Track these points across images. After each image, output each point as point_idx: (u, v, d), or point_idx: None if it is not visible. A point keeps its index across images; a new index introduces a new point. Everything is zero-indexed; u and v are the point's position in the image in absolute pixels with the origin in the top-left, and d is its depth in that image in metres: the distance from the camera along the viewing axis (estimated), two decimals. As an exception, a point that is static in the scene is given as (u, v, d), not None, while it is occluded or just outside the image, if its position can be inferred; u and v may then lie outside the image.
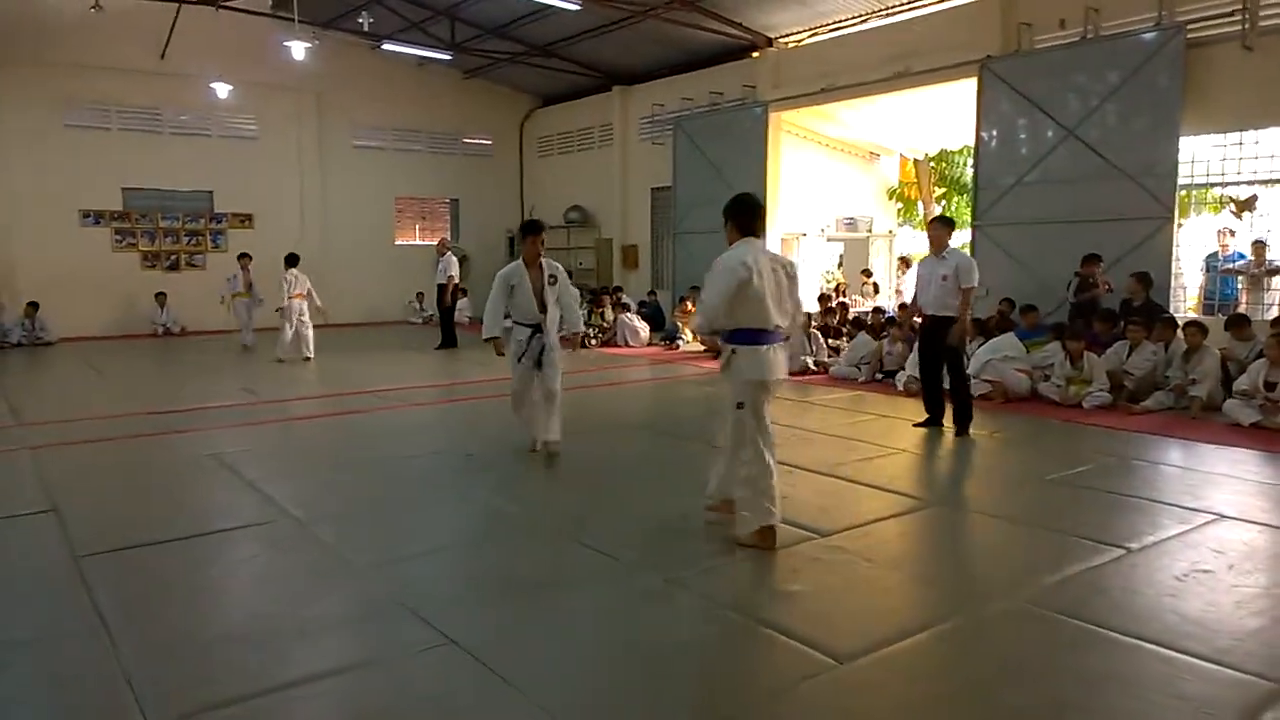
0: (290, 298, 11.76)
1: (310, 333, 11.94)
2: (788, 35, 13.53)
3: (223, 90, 15.06)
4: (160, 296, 15.33)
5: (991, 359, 8.44)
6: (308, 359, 11.78)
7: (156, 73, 15.13)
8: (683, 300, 14.02)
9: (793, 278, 4.21)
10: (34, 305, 13.86)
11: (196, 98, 15.49)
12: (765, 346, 4.08)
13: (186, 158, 15.83)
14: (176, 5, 13.58)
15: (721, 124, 14.19)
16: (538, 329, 6.06)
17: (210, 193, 16.21)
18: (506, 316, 6.15)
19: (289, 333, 11.71)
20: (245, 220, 16.49)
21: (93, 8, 13.28)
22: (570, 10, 12.85)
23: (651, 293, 15.66)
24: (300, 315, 11.80)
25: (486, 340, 6.33)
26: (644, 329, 13.63)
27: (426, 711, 2.90)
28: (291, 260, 12.13)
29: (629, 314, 13.76)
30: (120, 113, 15.24)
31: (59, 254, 14.64)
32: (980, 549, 4.62)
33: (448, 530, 4.85)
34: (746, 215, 4.20)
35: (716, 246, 13.08)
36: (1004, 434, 7.15)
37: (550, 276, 6.10)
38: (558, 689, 2.99)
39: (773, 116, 13.32)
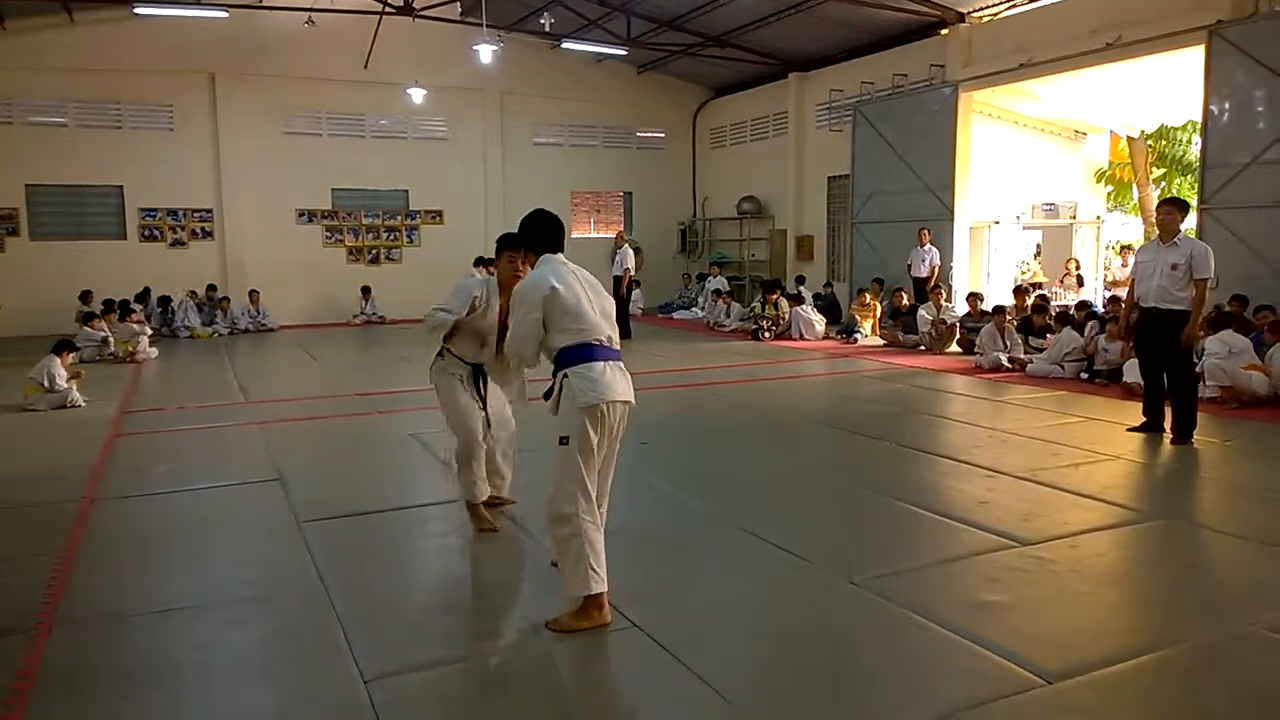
0: None
1: None
2: (981, 9, 12.70)
3: (417, 95, 16.08)
4: (365, 290, 16.61)
5: (1215, 359, 7.54)
6: None
7: (360, 81, 16.35)
8: (861, 293, 13.56)
9: (598, 290, 3.52)
10: (255, 293, 15.41)
11: (394, 103, 16.62)
12: (600, 363, 3.33)
13: (386, 159, 17.02)
14: (378, 17, 14.62)
15: (906, 107, 13.56)
16: (479, 370, 4.52)
17: (406, 191, 17.36)
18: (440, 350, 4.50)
19: None
20: (436, 216, 17.54)
21: (306, 23, 14.57)
22: (748, -3, 12.69)
23: (828, 285, 15.26)
24: None
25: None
26: (820, 322, 13.28)
27: (613, 690, 2.95)
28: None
29: (804, 306, 13.45)
30: (330, 119, 16.62)
31: (279, 249, 16.17)
32: (1209, 568, 4.14)
33: (628, 517, 4.89)
34: (545, 236, 3.57)
35: (897, 237, 12.45)
36: (1238, 442, 6.38)
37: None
38: (737, 681, 2.96)
39: (963, 97, 12.58)
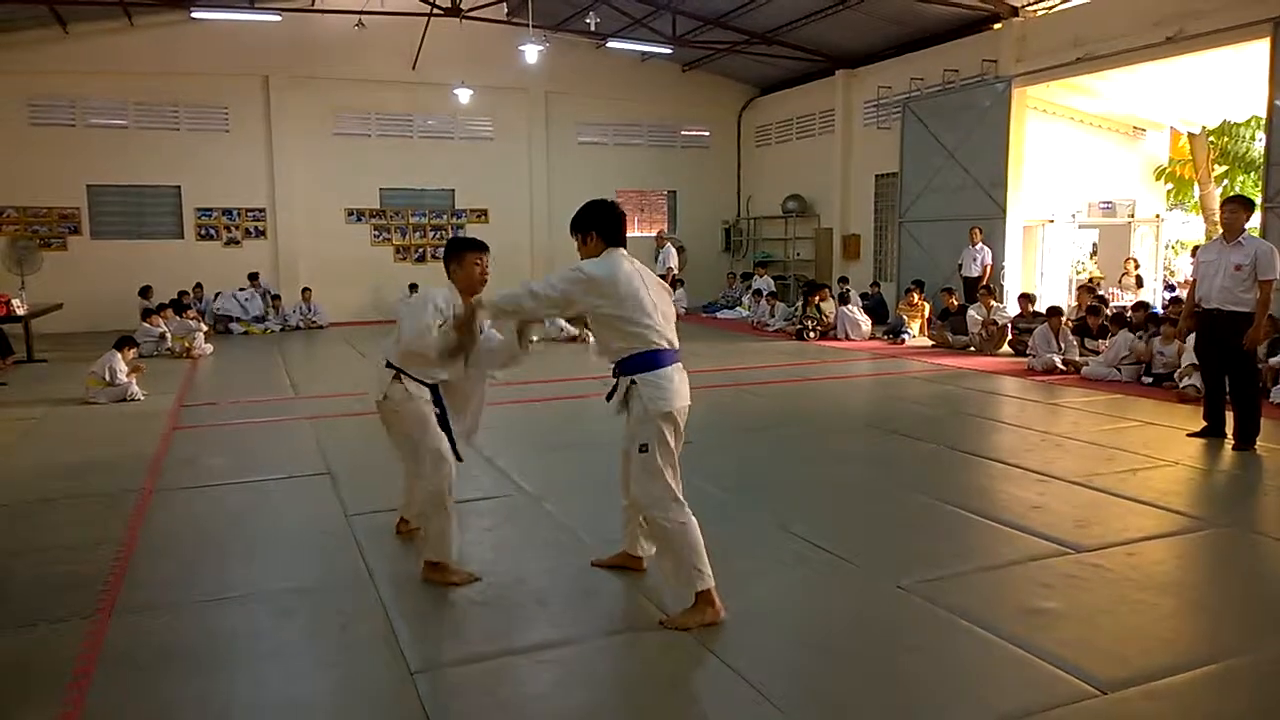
0: None
1: None
2: (1036, 2, 12.42)
3: (464, 95, 16.24)
4: (413, 288, 16.78)
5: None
6: None
7: (408, 82, 16.58)
8: (909, 292, 13.36)
9: (661, 292, 3.51)
10: (307, 290, 15.72)
11: (442, 103, 16.82)
12: (669, 368, 3.36)
13: (433, 159, 17.24)
14: (426, 19, 14.80)
15: (956, 104, 13.32)
16: (436, 391, 3.96)
17: (452, 191, 17.56)
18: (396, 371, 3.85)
19: None
20: (482, 215, 17.70)
21: (356, 26, 14.82)
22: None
23: (875, 284, 15.06)
24: None
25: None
26: (866, 322, 13.11)
27: (657, 691, 2.94)
28: None
29: (850, 306, 13.30)
30: (379, 120, 16.88)
31: (329, 249, 16.49)
32: (1272, 577, 3.99)
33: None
34: (615, 224, 3.47)
35: (947, 235, 12.21)
36: (1303, 449, 6.16)
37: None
38: (778, 679, 2.94)
39: (1016, 93, 12.31)
